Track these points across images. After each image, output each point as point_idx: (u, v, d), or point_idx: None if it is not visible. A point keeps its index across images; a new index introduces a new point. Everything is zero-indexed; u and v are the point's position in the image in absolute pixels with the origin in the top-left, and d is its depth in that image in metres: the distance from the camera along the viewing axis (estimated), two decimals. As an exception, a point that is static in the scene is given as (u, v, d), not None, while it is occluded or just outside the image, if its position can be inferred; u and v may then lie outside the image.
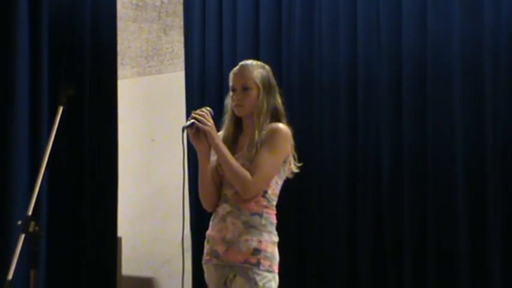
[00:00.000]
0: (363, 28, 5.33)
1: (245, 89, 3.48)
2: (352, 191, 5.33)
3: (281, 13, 5.75)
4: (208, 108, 3.47)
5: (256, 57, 5.02)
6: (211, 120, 3.40)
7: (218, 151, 3.40)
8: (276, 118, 3.50)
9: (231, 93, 3.53)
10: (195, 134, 3.42)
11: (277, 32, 5.76)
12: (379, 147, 5.23)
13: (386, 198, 5.18)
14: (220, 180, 3.50)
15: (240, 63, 3.57)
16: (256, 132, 3.43)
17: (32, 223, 3.26)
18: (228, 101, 3.56)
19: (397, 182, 5.14)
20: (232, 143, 3.52)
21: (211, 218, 3.53)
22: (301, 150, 3.57)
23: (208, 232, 3.52)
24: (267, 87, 3.50)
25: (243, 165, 3.39)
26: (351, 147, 5.34)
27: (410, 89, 5.13)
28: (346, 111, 5.38)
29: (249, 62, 3.57)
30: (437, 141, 5.01)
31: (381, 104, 5.24)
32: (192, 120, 3.40)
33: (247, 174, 3.36)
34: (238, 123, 3.57)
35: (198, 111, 3.42)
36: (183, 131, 3.42)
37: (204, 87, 6.06)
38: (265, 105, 3.47)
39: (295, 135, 3.52)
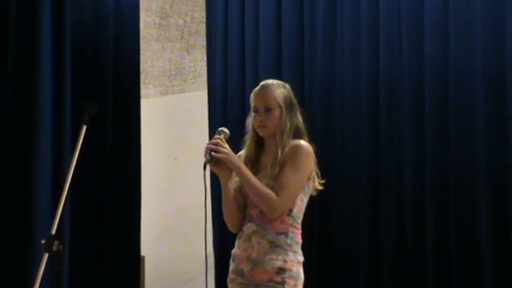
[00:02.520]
0: (385, 47, 5.34)
1: (268, 109, 3.46)
2: (374, 207, 5.32)
3: (303, 32, 5.76)
4: (223, 129, 3.45)
5: (279, 76, 5.04)
6: (226, 146, 3.37)
7: (240, 174, 3.38)
8: (298, 136, 3.48)
9: (253, 113, 3.51)
10: (214, 163, 3.41)
11: (299, 51, 5.77)
12: (401, 164, 5.22)
13: (408, 215, 5.17)
14: (244, 201, 3.49)
15: (261, 84, 3.55)
16: (279, 151, 3.41)
17: (56, 242, 3.27)
18: (250, 121, 3.54)
19: (419, 199, 5.14)
20: (254, 162, 3.51)
21: (237, 237, 3.51)
22: (324, 168, 3.56)
23: (234, 251, 3.50)
24: (289, 106, 3.49)
25: (267, 185, 3.36)
26: (373, 165, 5.34)
27: (433, 105, 5.13)
28: (368, 129, 5.38)
29: (270, 81, 3.55)
30: (459, 157, 5.01)
31: (403, 121, 5.24)
32: (210, 155, 3.36)
33: (272, 194, 3.33)
34: (260, 143, 3.55)
35: (211, 141, 3.38)
36: (204, 168, 3.38)
37: (226, 105, 6.07)
38: (288, 124, 3.46)
39: (317, 153, 3.51)
